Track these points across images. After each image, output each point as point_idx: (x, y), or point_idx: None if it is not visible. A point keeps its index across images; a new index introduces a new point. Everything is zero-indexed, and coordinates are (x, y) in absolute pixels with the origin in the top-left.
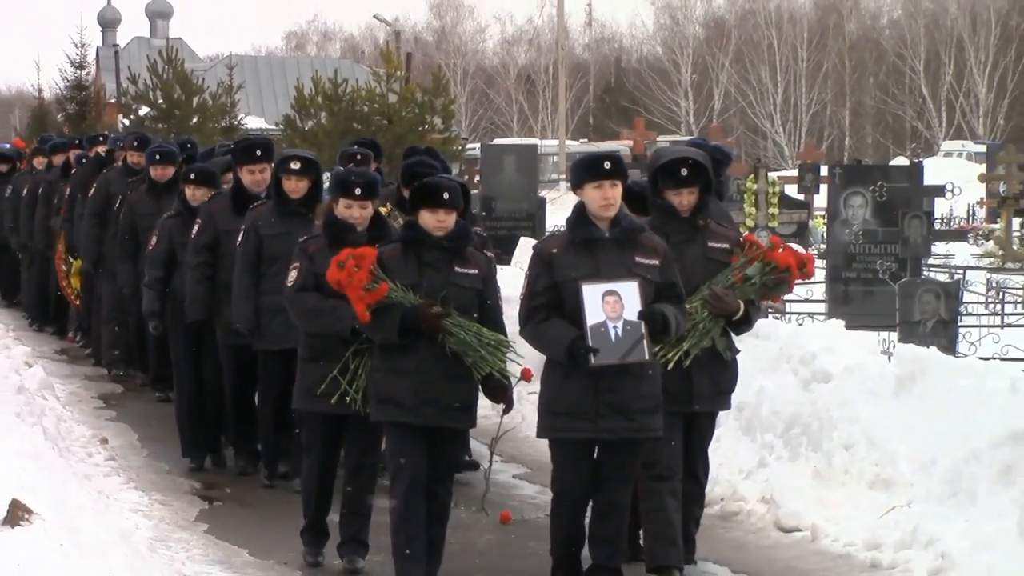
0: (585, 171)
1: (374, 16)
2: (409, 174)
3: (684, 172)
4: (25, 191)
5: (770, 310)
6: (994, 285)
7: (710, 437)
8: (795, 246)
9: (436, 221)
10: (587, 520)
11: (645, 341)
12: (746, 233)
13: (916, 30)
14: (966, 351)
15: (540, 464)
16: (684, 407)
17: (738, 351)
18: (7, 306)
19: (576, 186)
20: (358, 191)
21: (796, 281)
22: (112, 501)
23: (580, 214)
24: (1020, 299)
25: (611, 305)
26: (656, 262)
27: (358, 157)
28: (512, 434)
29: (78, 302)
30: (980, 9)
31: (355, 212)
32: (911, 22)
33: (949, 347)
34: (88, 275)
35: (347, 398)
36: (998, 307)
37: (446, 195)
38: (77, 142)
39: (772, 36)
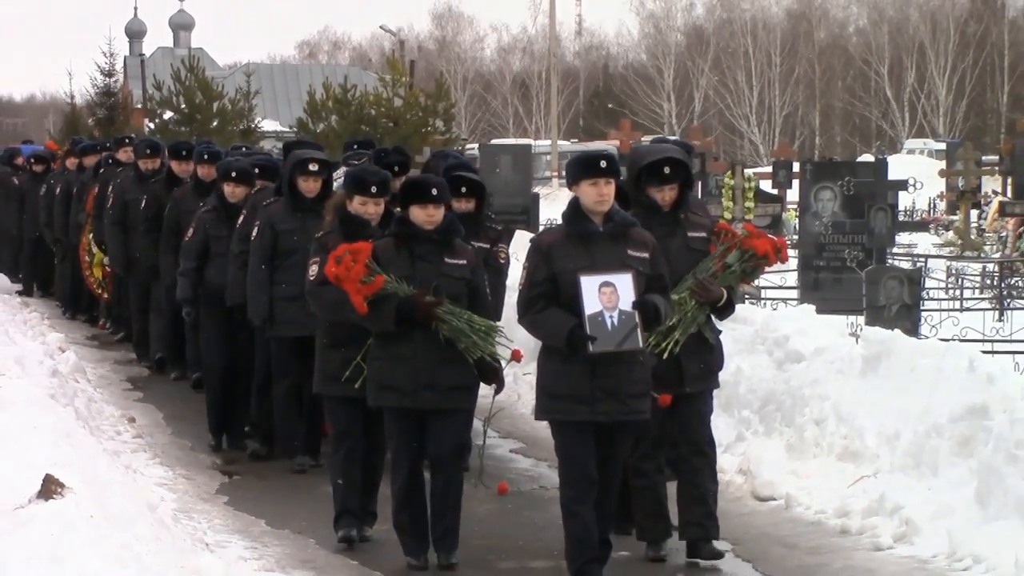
0: (581, 169)
1: (380, 27)
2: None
3: (667, 170)
4: (58, 190)
5: (746, 296)
6: (953, 272)
7: (709, 413)
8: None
9: (426, 216)
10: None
11: (639, 330)
12: (720, 221)
13: (881, 37)
14: (928, 333)
15: (535, 439)
16: (676, 389)
17: (720, 331)
18: (42, 296)
19: (572, 182)
20: (374, 189)
21: (771, 266)
22: (139, 476)
23: (575, 209)
24: (978, 285)
25: (607, 296)
26: (646, 255)
27: (363, 159)
28: (508, 411)
29: (99, 291)
30: (940, 17)
31: (370, 208)
32: (876, 30)
33: (912, 329)
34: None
35: None
36: (957, 292)
37: (434, 191)
38: (107, 144)
39: (748, 44)
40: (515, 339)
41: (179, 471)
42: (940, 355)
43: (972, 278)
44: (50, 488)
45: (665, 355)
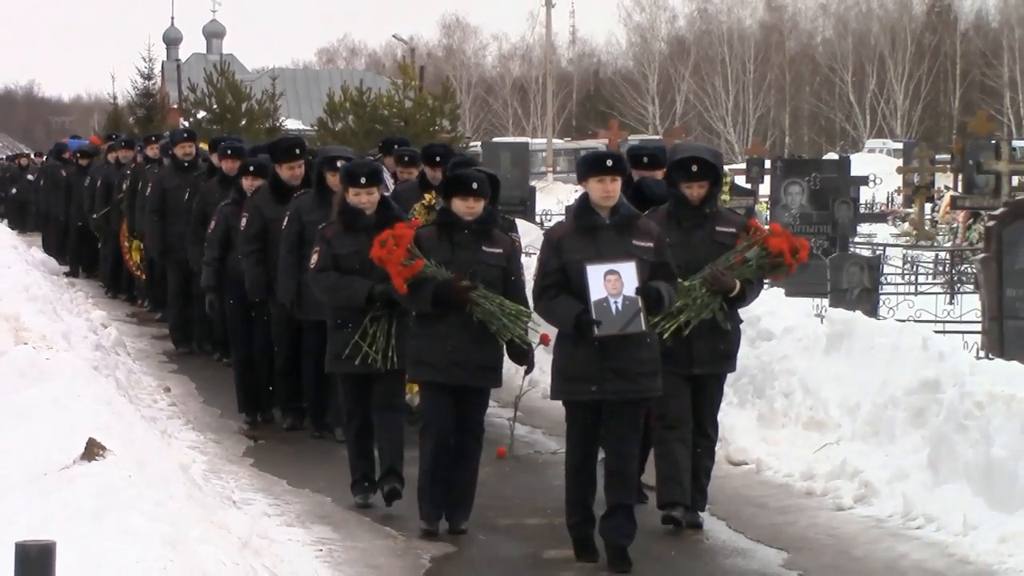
0: (590, 167)
1: (393, 36)
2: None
3: (694, 168)
4: (99, 182)
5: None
6: (909, 259)
7: (718, 399)
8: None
9: (466, 207)
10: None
11: (642, 314)
12: (752, 219)
13: (845, 47)
14: (886, 314)
15: (531, 409)
16: (685, 370)
17: (741, 321)
18: (86, 277)
19: (581, 178)
20: (363, 180)
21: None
22: (173, 439)
23: (584, 203)
24: (931, 271)
25: (612, 283)
26: (651, 244)
27: (406, 159)
28: (507, 385)
29: (139, 273)
30: (899, 30)
31: (363, 198)
32: (841, 40)
33: (871, 311)
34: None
35: (368, 360)
36: (912, 278)
37: (475, 185)
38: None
39: (724, 52)
40: (542, 323)
41: (209, 436)
42: (897, 334)
43: (926, 265)
44: (93, 450)
45: (666, 335)
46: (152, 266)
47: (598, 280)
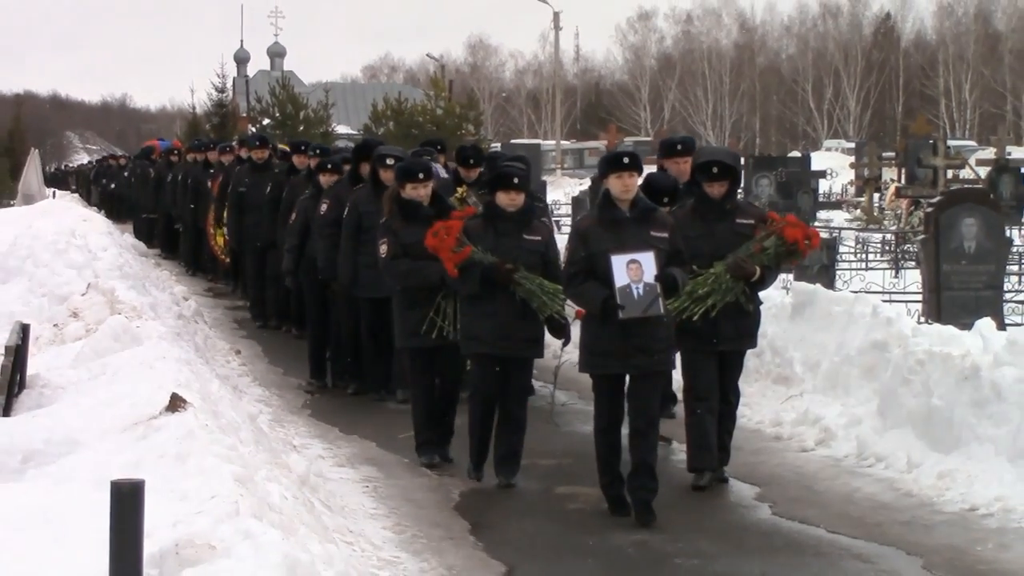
0: (609, 165)
1: (427, 54)
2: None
3: (715, 170)
4: (180, 177)
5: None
6: (861, 241)
7: (739, 371)
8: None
9: (509, 200)
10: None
11: (660, 299)
12: (770, 212)
13: (806, 62)
14: (841, 287)
15: (544, 367)
16: (712, 347)
17: (761, 303)
18: (173, 259)
19: (602, 176)
20: (421, 175)
21: (804, 252)
22: (243, 394)
23: (606, 198)
24: (879, 250)
25: (634, 271)
26: (666, 235)
27: (471, 160)
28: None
29: (222, 255)
30: (851, 47)
31: (420, 191)
32: (802, 56)
33: (829, 284)
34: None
35: (444, 333)
36: (863, 256)
37: (516, 180)
38: (215, 145)
39: (705, 67)
40: None
41: (273, 391)
42: (850, 303)
43: (874, 245)
44: (176, 403)
45: (695, 317)
46: (233, 250)
47: (621, 268)
